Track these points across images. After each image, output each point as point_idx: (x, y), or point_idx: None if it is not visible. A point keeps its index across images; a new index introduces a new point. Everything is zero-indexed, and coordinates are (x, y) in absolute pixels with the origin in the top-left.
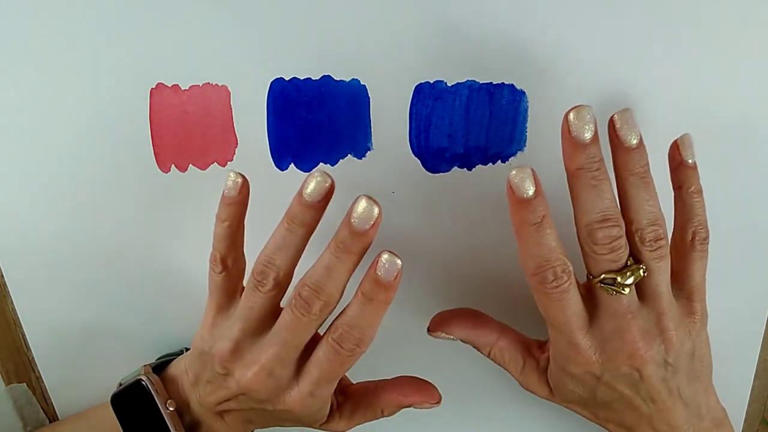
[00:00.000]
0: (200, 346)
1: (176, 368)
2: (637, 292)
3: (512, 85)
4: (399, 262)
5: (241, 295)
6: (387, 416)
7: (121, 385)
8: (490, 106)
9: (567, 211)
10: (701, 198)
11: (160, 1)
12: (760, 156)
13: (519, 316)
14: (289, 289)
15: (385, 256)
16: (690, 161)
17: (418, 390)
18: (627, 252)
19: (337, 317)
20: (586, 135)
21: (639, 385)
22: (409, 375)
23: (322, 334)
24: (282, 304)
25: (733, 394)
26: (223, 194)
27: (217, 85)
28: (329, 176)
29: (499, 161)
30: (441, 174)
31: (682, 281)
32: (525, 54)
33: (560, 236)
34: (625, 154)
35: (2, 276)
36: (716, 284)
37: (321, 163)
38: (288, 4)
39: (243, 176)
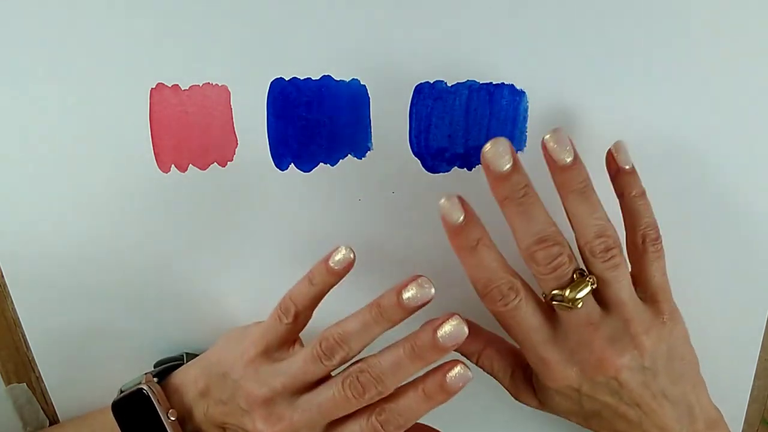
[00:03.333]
0: (227, 370)
1: (181, 377)
2: (600, 303)
3: (512, 85)
4: (470, 374)
5: (293, 346)
6: None
7: (122, 392)
8: (490, 106)
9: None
10: (645, 200)
11: (160, 1)
12: (759, 155)
13: None
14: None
15: (459, 369)
16: (627, 167)
17: None
18: (572, 267)
19: (386, 400)
20: (504, 167)
21: (620, 392)
22: (422, 425)
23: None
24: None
25: (733, 394)
26: (327, 262)
27: (217, 85)
28: (431, 288)
29: None
30: (441, 174)
31: (643, 285)
32: (525, 54)
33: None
34: (561, 173)
35: (2, 276)
36: (716, 284)
37: (321, 164)
38: (288, 4)
39: (354, 254)
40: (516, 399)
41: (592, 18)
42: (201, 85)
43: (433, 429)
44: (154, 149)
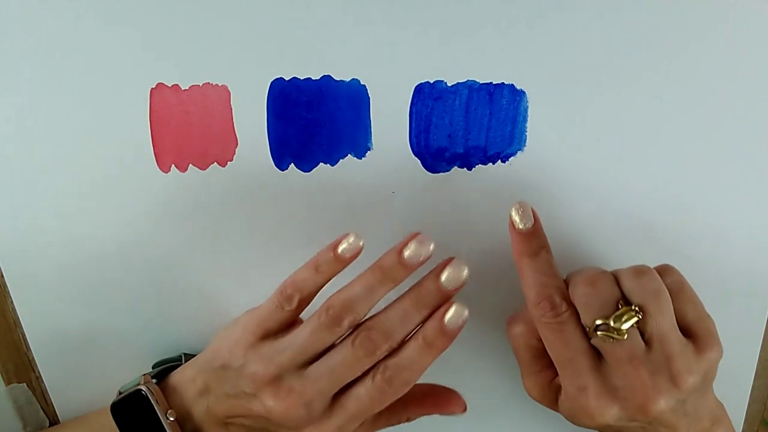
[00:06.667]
0: (226, 361)
1: (179, 377)
2: (642, 338)
3: (512, 85)
4: (466, 312)
5: (293, 327)
6: (408, 422)
7: (120, 393)
8: (490, 105)
9: (569, 214)
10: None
11: (160, 1)
12: (760, 156)
13: None
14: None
15: (454, 308)
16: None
17: (446, 399)
18: (615, 294)
19: (388, 357)
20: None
21: (652, 423)
22: (434, 384)
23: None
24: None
25: (733, 394)
26: (335, 250)
27: (217, 85)
28: (431, 244)
29: (499, 161)
30: (441, 174)
31: (679, 322)
32: (525, 54)
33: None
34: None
35: (2, 276)
36: (716, 284)
37: (321, 163)
38: (288, 4)
39: (363, 242)
40: (529, 392)
41: (592, 17)
42: (201, 85)
43: (446, 388)
44: (154, 149)
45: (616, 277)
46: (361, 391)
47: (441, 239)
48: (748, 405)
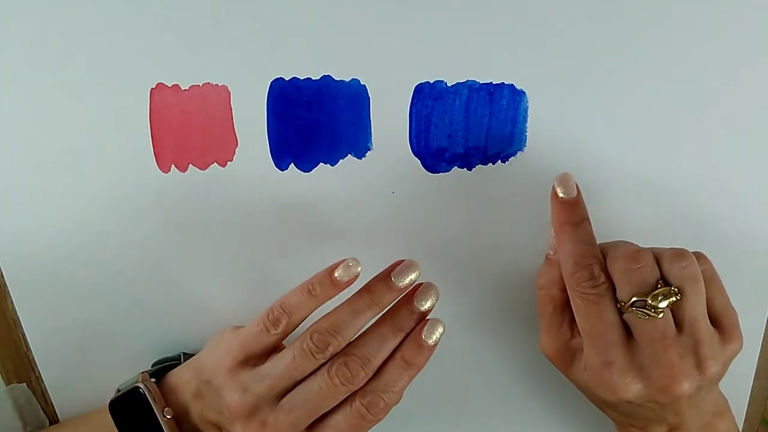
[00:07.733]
0: (209, 378)
1: (177, 376)
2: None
3: (512, 85)
4: (441, 327)
5: (275, 353)
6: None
7: (119, 391)
8: (490, 106)
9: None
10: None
11: (160, 1)
12: (759, 156)
13: (519, 315)
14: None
15: (430, 323)
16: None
17: None
18: (656, 273)
19: (368, 382)
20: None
21: (667, 405)
22: None
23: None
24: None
25: (733, 394)
26: (331, 275)
27: (217, 85)
28: (418, 268)
29: (499, 161)
30: (441, 174)
31: (708, 309)
32: (525, 54)
33: None
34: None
35: (2, 276)
36: None
37: (321, 163)
38: (288, 4)
39: (360, 268)
40: (542, 348)
41: (593, 17)
42: (201, 85)
43: None
44: (154, 149)
45: (655, 256)
46: (338, 419)
47: (441, 239)
48: (748, 405)
